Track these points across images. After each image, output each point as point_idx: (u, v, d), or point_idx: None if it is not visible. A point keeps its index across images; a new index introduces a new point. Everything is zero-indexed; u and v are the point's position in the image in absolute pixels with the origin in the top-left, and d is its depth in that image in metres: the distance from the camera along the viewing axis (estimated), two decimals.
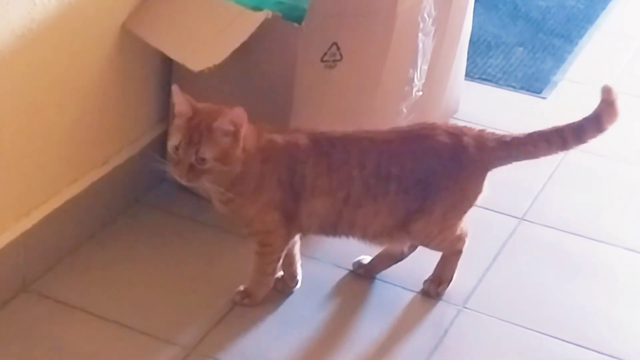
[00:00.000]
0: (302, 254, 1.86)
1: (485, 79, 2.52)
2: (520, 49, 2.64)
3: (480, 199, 2.06)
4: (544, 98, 2.46)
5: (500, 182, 2.13)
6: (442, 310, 1.81)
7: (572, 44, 2.67)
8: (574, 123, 1.75)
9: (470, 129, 1.76)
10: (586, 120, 1.75)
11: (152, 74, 1.93)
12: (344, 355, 1.69)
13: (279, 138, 1.68)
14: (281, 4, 1.76)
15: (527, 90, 2.48)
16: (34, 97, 1.67)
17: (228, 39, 1.72)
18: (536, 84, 2.50)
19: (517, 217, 2.05)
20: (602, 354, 1.73)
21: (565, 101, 2.45)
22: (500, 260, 1.93)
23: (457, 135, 1.73)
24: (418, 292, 1.83)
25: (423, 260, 1.90)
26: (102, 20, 1.77)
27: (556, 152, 1.78)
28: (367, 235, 1.74)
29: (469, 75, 2.47)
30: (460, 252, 1.81)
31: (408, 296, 1.83)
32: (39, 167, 1.73)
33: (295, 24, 1.74)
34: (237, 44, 1.71)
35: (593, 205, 2.11)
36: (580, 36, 2.71)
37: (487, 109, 2.40)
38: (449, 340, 1.74)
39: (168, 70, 1.92)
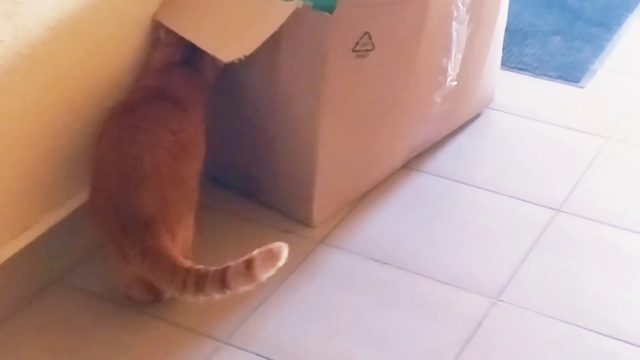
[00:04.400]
0: (331, 245, 1.85)
1: (521, 68, 2.48)
2: (557, 37, 2.60)
3: (516, 190, 2.05)
4: (581, 87, 2.42)
5: (537, 172, 2.12)
6: (475, 302, 1.78)
7: (610, 32, 2.62)
8: (217, 270, 1.55)
9: None
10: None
11: None
12: (375, 347, 1.68)
13: None
14: None
15: (564, 80, 2.44)
16: (64, 89, 1.67)
17: (258, 30, 1.71)
18: (573, 73, 2.46)
19: (553, 209, 2.02)
20: (638, 347, 1.70)
21: (603, 90, 2.41)
22: (535, 252, 1.90)
23: None
24: (451, 284, 1.82)
25: (458, 251, 1.89)
26: (132, 11, 1.76)
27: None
28: None
29: (505, 64, 2.43)
30: None
31: (440, 288, 1.81)
32: (71, 160, 1.73)
33: (327, 14, 1.73)
34: (267, 35, 1.70)
35: (632, 197, 2.06)
36: (619, 24, 2.66)
37: (523, 98, 2.37)
38: (482, 334, 1.72)
39: None
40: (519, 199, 2.04)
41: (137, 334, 1.67)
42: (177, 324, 1.68)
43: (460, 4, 1.94)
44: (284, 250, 1.55)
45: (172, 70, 1.78)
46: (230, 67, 1.72)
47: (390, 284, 1.81)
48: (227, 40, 1.73)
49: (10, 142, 1.60)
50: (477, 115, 2.27)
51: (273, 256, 1.54)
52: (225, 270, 1.54)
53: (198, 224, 1.75)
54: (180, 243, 1.63)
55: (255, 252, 1.54)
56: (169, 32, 1.77)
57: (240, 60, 1.69)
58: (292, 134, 1.85)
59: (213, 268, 1.55)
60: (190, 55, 1.77)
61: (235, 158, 1.95)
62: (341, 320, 1.73)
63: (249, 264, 1.53)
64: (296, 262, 1.83)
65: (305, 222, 1.91)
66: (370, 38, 1.79)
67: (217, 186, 1.98)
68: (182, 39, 1.76)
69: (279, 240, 1.86)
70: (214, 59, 1.75)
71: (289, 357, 1.65)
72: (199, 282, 1.55)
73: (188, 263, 1.57)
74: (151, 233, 1.57)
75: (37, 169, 1.67)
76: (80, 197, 1.74)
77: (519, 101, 2.35)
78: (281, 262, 1.55)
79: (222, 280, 1.54)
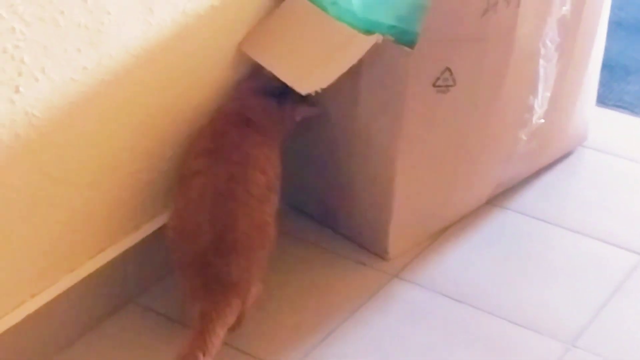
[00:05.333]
0: (405, 279, 1.84)
1: (620, 106, 2.41)
2: None
3: (603, 232, 2.00)
4: None
5: (627, 215, 2.06)
6: (548, 347, 1.74)
7: None
8: None
9: None
10: None
11: None
12: None
13: None
14: (394, 27, 1.74)
15: None
16: (146, 115, 1.71)
17: (336, 63, 1.72)
18: None
19: (638, 253, 1.95)
20: None
21: None
22: (617, 298, 1.84)
23: None
24: (524, 327, 1.78)
25: (536, 292, 1.85)
26: (217, 41, 1.80)
27: None
28: None
29: (603, 101, 2.37)
30: None
31: (513, 329, 1.77)
32: (150, 183, 1.77)
33: (407, 48, 1.72)
34: (345, 68, 1.70)
35: None
36: None
37: (621, 137, 2.31)
38: None
39: None
40: (605, 241, 1.98)
41: None
42: (244, 351, 1.70)
43: (548, 42, 1.91)
44: None
45: (256, 96, 1.82)
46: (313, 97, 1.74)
47: (462, 322, 1.79)
48: (306, 72, 1.75)
49: (90, 166, 1.65)
50: (569, 153, 2.23)
51: None
52: None
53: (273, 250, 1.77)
54: (251, 298, 1.67)
55: None
56: None
57: (317, 92, 1.70)
58: (370, 165, 1.85)
59: None
60: (281, 91, 1.79)
61: (313, 186, 1.96)
62: (409, 356, 1.71)
63: None
64: (367, 295, 1.83)
65: (380, 254, 1.91)
66: (451, 74, 1.78)
67: (295, 213, 1.99)
68: None
69: (353, 271, 1.88)
70: (297, 105, 1.81)
71: None
72: None
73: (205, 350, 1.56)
74: (225, 298, 1.61)
75: (115, 192, 1.71)
76: (157, 221, 1.78)
77: (615, 140, 2.29)
78: None
79: None
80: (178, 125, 1.78)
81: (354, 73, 1.75)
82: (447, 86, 1.78)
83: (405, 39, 1.73)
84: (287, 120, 1.83)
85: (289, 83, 1.75)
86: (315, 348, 1.72)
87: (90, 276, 1.69)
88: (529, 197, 2.10)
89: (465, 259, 1.93)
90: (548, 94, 1.99)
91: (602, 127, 2.31)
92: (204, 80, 1.80)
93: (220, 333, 1.58)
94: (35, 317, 1.61)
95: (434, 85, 1.77)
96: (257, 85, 1.84)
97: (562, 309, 1.82)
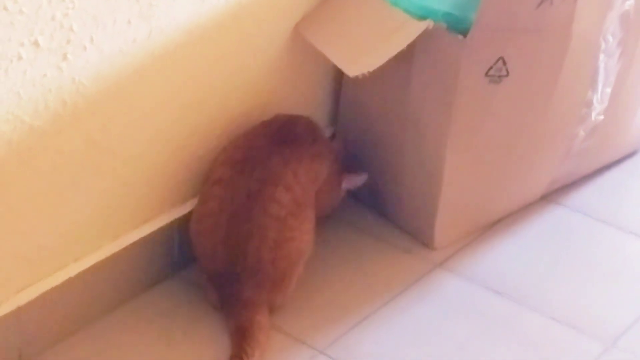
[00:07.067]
0: (448, 269, 1.83)
1: None
2: None
3: None
4: None
5: None
6: (588, 345, 1.71)
7: None
8: None
9: None
10: None
11: (323, 77, 1.96)
12: None
13: None
14: (449, 15, 1.73)
15: None
16: (196, 91, 1.74)
17: (385, 47, 1.72)
18: None
19: None
20: None
21: None
22: None
23: None
24: (565, 324, 1.75)
25: (581, 291, 1.82)
26: (273, 22, 1.81)
27: None
28: None
29: None
30: None
31: (553, 326, 1.75)
32: (199, 159, 1.80)
33: (460, 36, 1.71)
34: (393, 53, 1.70)
35: None
36: None
37: None
38: None
39: (339, 74, 1.93)
40: None
41: None
42: (278, 327, 1.72)
43: (610, 37, 1.87)
44: None
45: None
46: (366, 81, 1.73)
47: (502, 316, 1.77)
48: (355, 55, 1.75)
49: (137, 137, 1.68)
50: (634, 153, 2.18)
51: None
52: None
53: (320, 230, 1.78)
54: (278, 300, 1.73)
55: None
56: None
57: (364, 75, 1.71)
58: (420, 152, 1.84)
59: None
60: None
61: (363, 170, 1.96)
62: (443, 347, 1.70)
63: None
64: (408, 283, 1.82)
65: (426, 243, 1.90)
66: (504, 64, 1.76)
67: (346, 198, 2.00)
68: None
69: (397, 258, 1.88)
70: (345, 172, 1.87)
71: None
72: None
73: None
74: (247, 311, 1.67)
75: (162, 165, 1.74)
76: None
77: None
78: None
79: None
80: (229, 103, 1.80)
81: (406, 58, 1.75)
82: (500, 76, 1.76)
83: (459, 27, 1.72)
84: (334, 187, 1.85)
85: (339, 65, 1.76)
86: (349, 331, 1.73)
87: (133, 245, 1.73)
88: (586, 195, 2.06)
89: (512, 253, 1.91)
90: (609, 90, 1.95)
91: None
92: (258, 60, 1.82)
93: (260, 337, 1.64)
94: (76, 280, 1.66)
95: (486, 74, 1.76)
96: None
97: (606, 309, 1.79)
